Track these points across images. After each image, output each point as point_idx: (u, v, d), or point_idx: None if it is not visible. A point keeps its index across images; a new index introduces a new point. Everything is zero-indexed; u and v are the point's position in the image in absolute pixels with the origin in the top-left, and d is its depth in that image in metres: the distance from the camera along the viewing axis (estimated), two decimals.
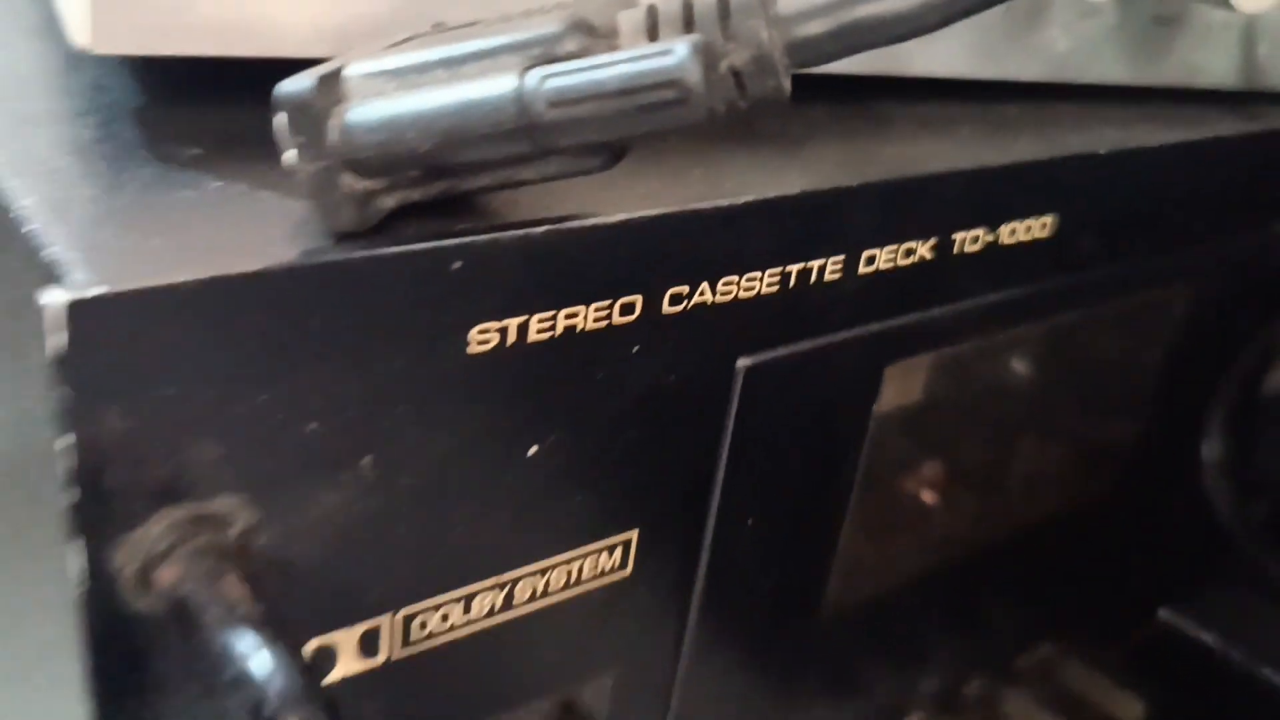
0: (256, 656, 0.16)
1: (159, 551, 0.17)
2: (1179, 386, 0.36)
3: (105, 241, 0.17)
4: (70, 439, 0.16)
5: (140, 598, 0.17)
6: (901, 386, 0.30)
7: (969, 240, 0.26)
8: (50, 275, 0.16)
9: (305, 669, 0.16)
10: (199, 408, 0.17)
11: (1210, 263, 0.34)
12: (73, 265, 0.16)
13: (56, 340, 0.15)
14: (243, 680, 0.16)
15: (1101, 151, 0.28)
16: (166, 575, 0.17)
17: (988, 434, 0.33)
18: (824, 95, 0.28)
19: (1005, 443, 0.33)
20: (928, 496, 0.32)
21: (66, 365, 0.15)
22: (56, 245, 0.16)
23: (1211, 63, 0.34)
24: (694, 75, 0.17)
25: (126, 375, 0.16)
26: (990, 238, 0.26)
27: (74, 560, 0.17)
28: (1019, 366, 0.33)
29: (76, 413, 0.16)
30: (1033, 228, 0.27)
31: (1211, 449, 0.36)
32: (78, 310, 0.15)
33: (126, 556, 0.17)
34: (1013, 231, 0.26)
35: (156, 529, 0.17)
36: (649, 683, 0.26)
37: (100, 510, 0.16)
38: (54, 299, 0.15)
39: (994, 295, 0.27)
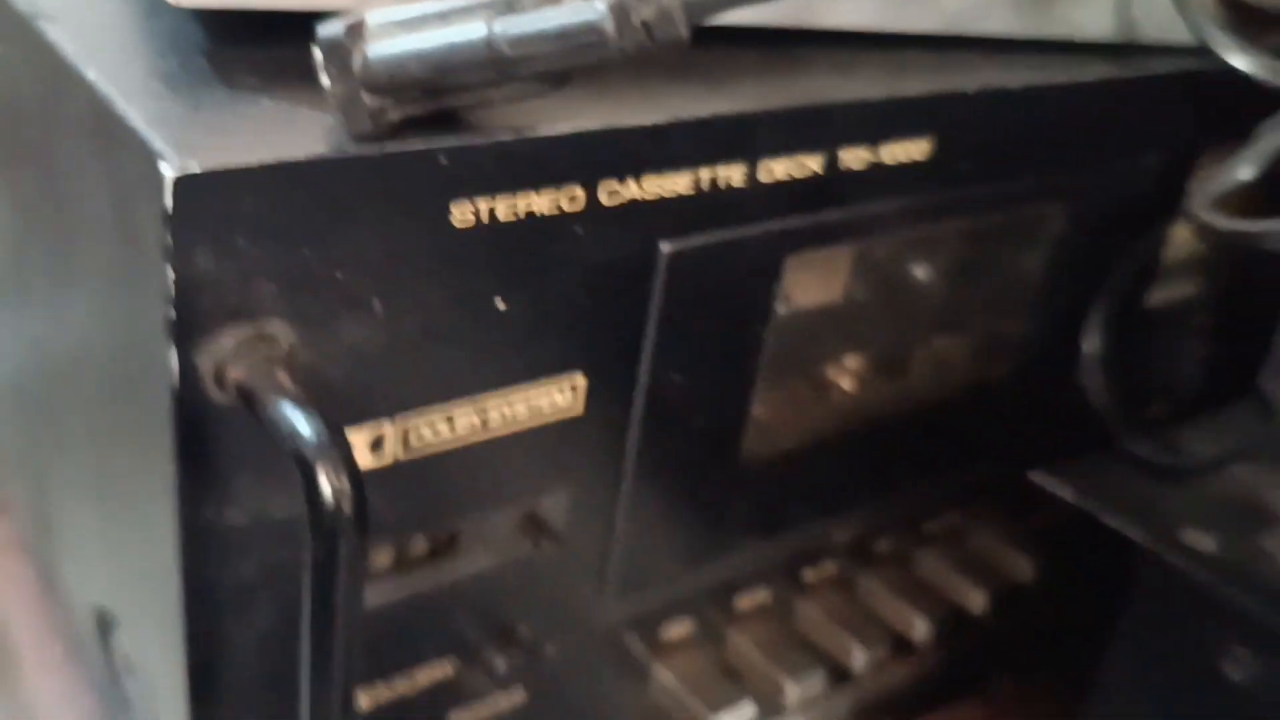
0: (298, 420, 0.23)
1: (230, 356, 0.24)
2: (1063, 290, 0.42)
3: (195, 140, 0.24)
4: (172, 273, 0.23)
5: (215, 390, 0.24)
6: (814, 279, 0.37)
7: (853, 158, 0.32)
8: (159, 160, 0.23)
9: (333, 429, 0.23)
10: (260, 255, 0.24)
11: (1082, 187, 0.40)
12: (175, 153, 0.23)
13: (168, 201, 0.22)
14: (289, 438, 0.23)
15: (970, 90, 0.34)
16: (235, 373, 0.24)
17: (888, 323, 0.40)
18: (757, 44, 0.35)
19: (904, 330, 0.40)
20: (833, 373, 0.39)
21: (173, 219, 0.22)
22: (160, 142, 0.23)
23: (1091, 19, 0.40)
24: (609, 26, 0.23)
25: (210, 228, 0.23)
26: (872, 157, 0.33)
27: (171, 361, 0.24)
28: (917, 267, 0.40)
29: (177, 254, 0.23)
30: (910, 150, 0.34)
31: (1089, 345, 0.43)
32: (181, 182, 0.22)
33: (207, 360, 0.24)
34: (892, 153, 0.33)
35: (228, 341, 0.24)
36: (597, 502, 0.33)
37: (190, 325, 0.24)
38: (168, 172, 0.22)
39: (878, 204, 0.34)
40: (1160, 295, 0.48)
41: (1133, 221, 0.43)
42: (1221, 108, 0.42)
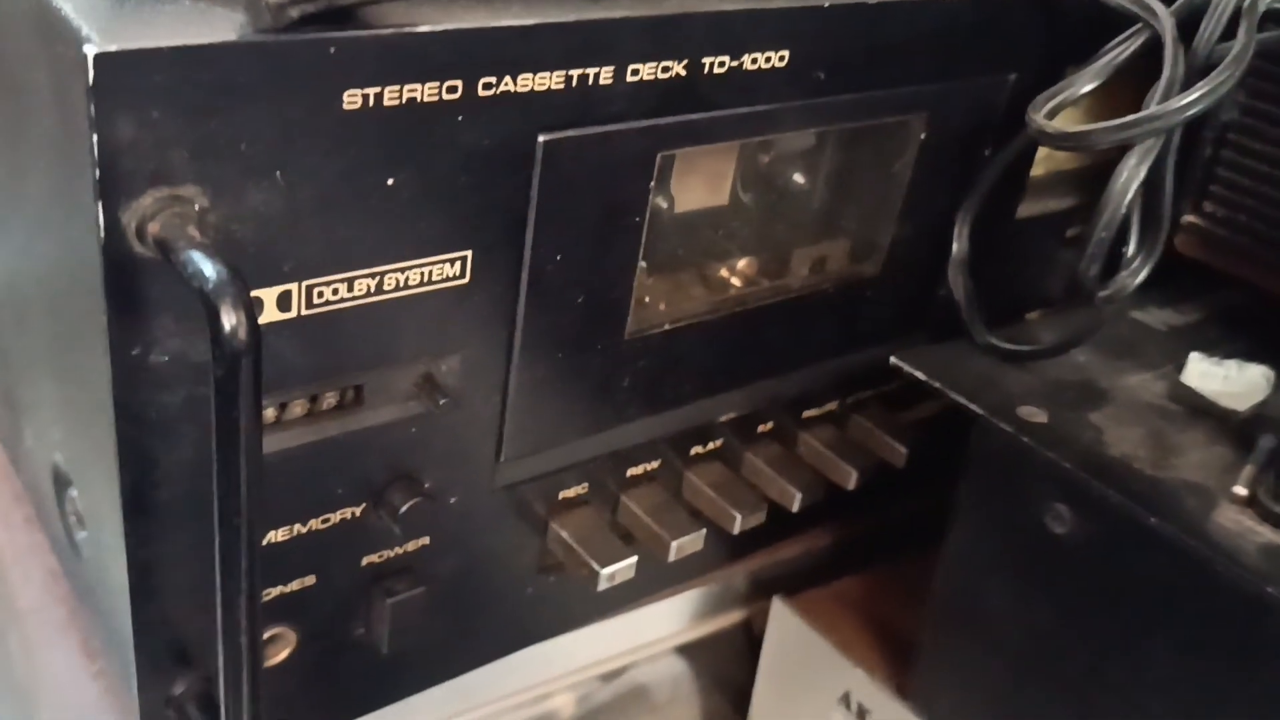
0: (204, 264, 0.27)
1: (149, 214, 0.28)
2: (932, 197, 0.47)
3: (119, 29, 0.28)
4: (96, 138, 0.27)
5: (137, 244, 0.29)
6: (701, 184, 0.41)
7: (715, 64, 0.37)
8: (83, 42, 0.27)
9: (233, 271, 0.27)
10: (172, 126, 0.28)
11: (944, 100, 0.44)
12: (99, 37, 0.27)
13: (91, 76, 0.26)
14: (196, 278, 0.27)
15: (825, 4, 0.38)
16: (153, 228, 0.28)
17: (769, 224, 0.44)
18: None
19: (783, 231, 0.45)
20: (722, 269, 0.43)
21: (95, 91, 0.27)
22: (87, 28, 0.27)
23: None
24: None
25: (127, 101, 0.27)
26: (734, 63, 0.37)
27: (100, 216, 0.28)
28: (796, 174, 0.44)
29: (100, 121, 0.27)
30: (771, 59, 0.38)
31: (955, 249, 0.48)
32: (100, 59, 0.26)
33: (129, 216, 0.28)
34: (753, 60, 0.37)
35: (148, 200, 0.28)
36: (490, 367, 0.38)
37: (113, 186, 0.28)
38: (90, 50, 0.26)
39: (742, 108, 0.38)
40: (1034, 207, 0.52)
41: (997, 136, 0.47)
42: (1080, 30, 0.46)
